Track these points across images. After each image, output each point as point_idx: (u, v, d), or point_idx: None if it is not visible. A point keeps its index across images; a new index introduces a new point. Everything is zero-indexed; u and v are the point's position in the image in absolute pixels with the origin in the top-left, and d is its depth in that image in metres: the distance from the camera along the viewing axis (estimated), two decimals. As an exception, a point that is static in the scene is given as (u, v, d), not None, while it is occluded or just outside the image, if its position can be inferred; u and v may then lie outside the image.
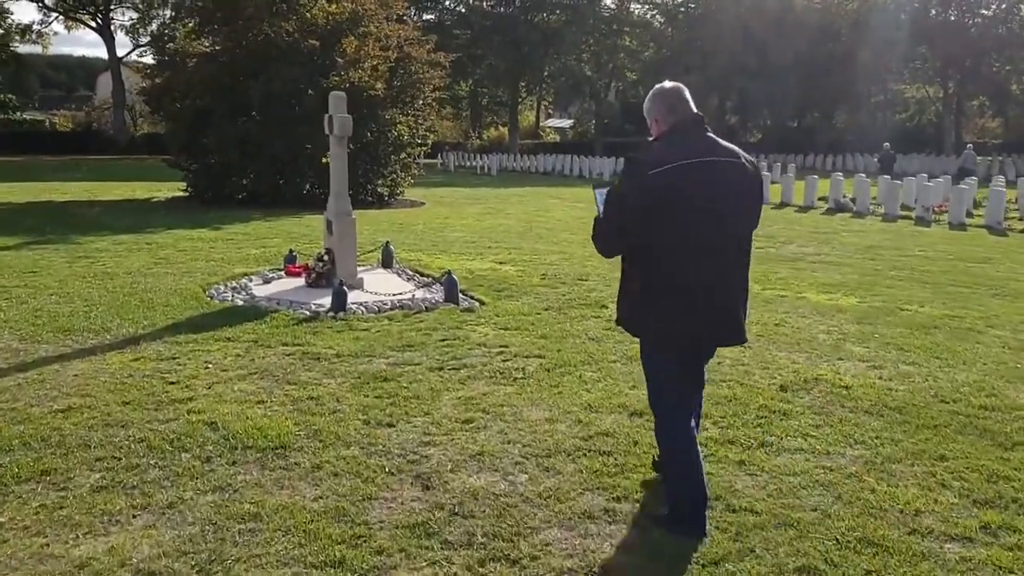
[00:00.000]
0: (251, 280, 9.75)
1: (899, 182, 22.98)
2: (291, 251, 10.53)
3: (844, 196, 23.50)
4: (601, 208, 3.75)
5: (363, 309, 8.37)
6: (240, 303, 8.61)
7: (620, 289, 3.84)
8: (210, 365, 6.33)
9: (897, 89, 75.87)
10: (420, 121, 21.55)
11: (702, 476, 3.79)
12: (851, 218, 20.88)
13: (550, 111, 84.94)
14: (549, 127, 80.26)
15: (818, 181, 25.33)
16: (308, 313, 8.19)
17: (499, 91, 67.71)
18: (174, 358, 6.51)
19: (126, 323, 7.60)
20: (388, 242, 10.99)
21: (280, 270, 10.41)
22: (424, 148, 22.56)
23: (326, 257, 9.26)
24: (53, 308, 8.15)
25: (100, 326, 7.46)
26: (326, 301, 8.53)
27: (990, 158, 45.16)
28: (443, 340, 7.21)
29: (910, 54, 70.10)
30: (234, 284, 9.53)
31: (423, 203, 22.31)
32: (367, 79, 19.58)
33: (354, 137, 20.12)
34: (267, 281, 9.62)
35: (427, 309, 8.44)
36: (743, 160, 3.67)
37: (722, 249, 3.63)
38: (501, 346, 7.00)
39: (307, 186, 20.46)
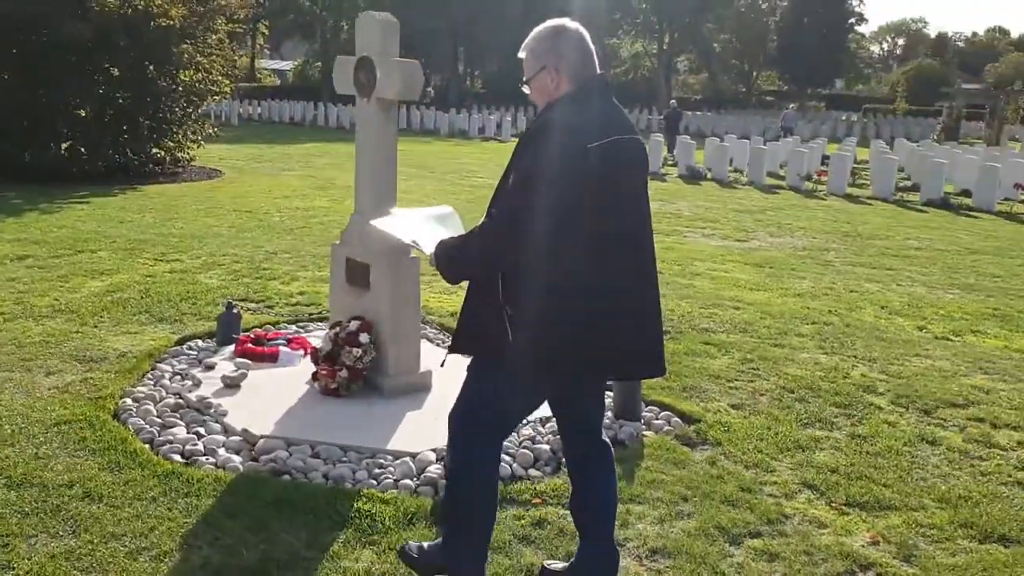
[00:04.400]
0: (193, 376, 4.99)
1: (765, 147, 21.05)
2: (229, 303, 5.78)
3: (696, 163, 21.25)
4: (424, 245, 2.98)
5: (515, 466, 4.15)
6: (234, 466, 3.99)
7: (475, 303, 2.89)
8: None
9: (611, 44, 77.57)
10: (214, 62, 16.02)
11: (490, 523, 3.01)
12: (723, 189, 18.54)
13: (265, 51, 77.02)
14: (265, 69, 72.55)
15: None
16: (403, 492, 3.86)
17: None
18: None
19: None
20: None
21: (207, 340, 5.73)
22: (223, 97, 17.16)
23: (364, 338, 4.78)
24: None
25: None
26: (405, 439, 4.25)
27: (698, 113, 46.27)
28: None
29: (628, 9, 71.61)
30: (164, 393, 4.78)
31: (219, 171, 16.90)
32: (158, 3, 13.98)
33: (139, 82, 14.72)
34: (230, 384, 4.91)
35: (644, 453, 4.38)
36: (639, 136, 2.88)
37: (647, 249, 2.87)
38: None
39: (62, 149, 14.52)
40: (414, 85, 4.65)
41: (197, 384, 4.91)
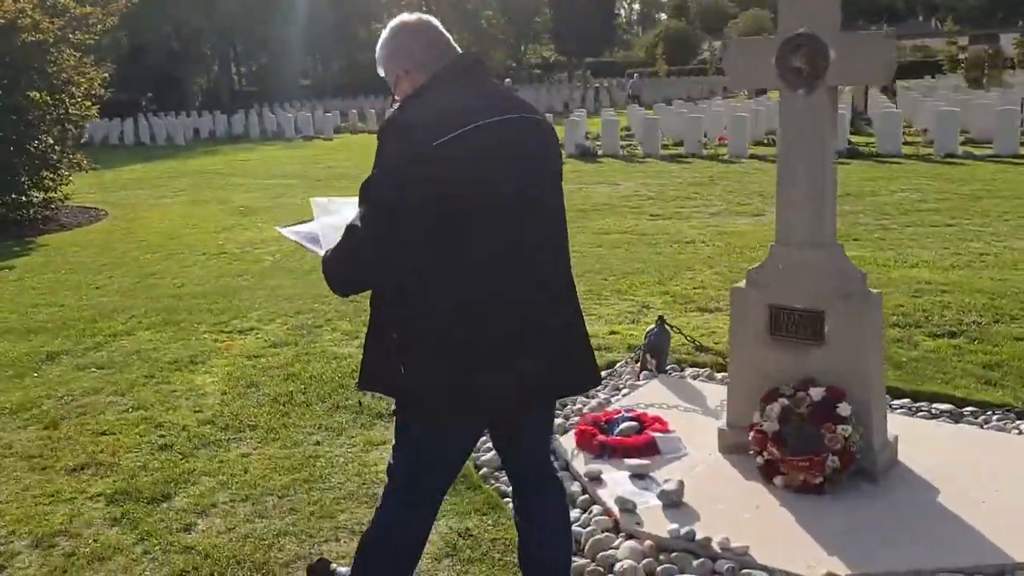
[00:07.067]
0: (626, 501, 3.58)
1: (657, 117, 20.80)
2: (661, 317, 4.47)
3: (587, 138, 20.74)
4: (310, 246, 2.56)
5: None
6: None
7: (372, 336, 2.48)
8: None
9: (376, 29, 76.40)
10: (91, 80, 13.42)
11: None
12: (629, 164, 18.11)
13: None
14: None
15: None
16: None
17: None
18: None
19: None
20: (662, 317, 5.15)
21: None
22: (91, 119, 14.46)
23: (844, 410, 3.60)
24: None
25: None
26: (1014, 540, 3.21)
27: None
28: None
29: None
30: (616, 537, 3.40)
31: (99, 209, 14.31)
32: (30, 13, 11.42)
33: (7, 112, 12.03)
34: (674, 503, 3.53)
35: None
36: (538, 116, 2.49)
37: (540, 251, 2.44)
38: None
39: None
40: (892, 64, 3.50)
41: (630, 510, 3.55)
